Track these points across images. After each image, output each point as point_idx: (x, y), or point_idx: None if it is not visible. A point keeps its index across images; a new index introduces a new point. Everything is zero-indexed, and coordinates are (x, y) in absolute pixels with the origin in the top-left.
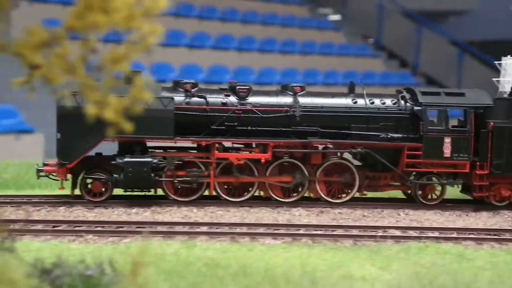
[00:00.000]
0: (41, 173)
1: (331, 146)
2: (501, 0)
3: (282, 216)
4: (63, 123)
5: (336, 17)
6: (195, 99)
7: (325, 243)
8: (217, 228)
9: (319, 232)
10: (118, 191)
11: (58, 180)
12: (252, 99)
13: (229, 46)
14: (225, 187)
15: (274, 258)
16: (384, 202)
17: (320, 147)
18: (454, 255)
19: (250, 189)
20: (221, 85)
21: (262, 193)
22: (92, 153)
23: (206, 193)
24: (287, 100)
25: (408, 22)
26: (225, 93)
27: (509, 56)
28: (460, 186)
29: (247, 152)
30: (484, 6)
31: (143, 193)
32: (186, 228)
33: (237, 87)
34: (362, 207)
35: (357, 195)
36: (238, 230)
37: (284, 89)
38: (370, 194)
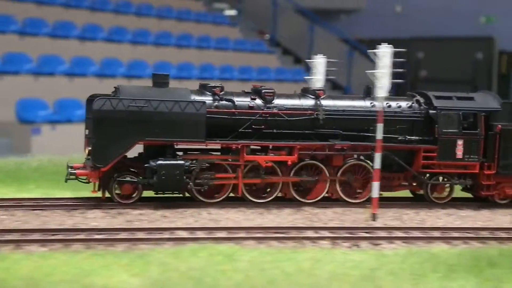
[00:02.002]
0: (72, 176)
1: (345, 148)
2: (387, 0)
3: (72, 219)
4: (99, 127)
5: (231, 12)
6: (224, 102)
7: (96, 248)
8: None
9: (100, 237)
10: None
11: (85, 183)
12: (277, 102)
13: (122, 39)
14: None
15: (21, 268)
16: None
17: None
18: (224, 256)
19: (269, 190)
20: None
21: (285, 194)
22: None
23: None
24: (310, 103)
25: (302, 19)
26: (252, 97)
27: (318, 55)
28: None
29: (273, 154)
30: (371, 6)
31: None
32: None
33: (263, 91)
34: (165, 207)
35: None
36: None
37: (305, 92)
38: None
